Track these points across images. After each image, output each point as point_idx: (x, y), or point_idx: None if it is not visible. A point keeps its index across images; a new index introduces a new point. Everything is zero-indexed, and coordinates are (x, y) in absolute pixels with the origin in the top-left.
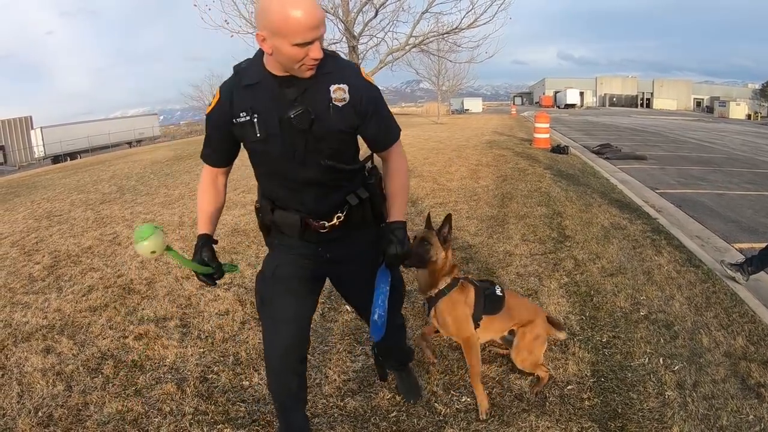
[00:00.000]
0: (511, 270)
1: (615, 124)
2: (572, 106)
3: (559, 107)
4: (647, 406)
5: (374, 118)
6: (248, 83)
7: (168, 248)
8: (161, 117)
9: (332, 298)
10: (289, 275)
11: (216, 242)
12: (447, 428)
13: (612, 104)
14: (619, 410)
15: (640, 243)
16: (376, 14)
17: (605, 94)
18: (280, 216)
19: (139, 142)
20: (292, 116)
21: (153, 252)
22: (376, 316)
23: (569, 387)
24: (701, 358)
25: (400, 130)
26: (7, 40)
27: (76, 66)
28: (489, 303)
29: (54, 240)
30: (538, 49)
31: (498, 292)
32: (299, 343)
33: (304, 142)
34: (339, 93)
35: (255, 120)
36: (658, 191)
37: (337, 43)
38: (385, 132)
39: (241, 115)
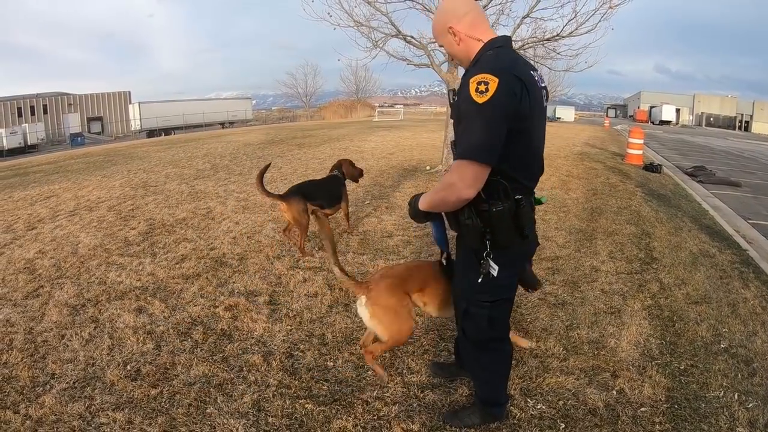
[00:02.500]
0: (596, 286)
1: (710, 146)
2: (667, 123)
3: (653, 123)
4: None
5: (461, 123)
6: None
7: None
8: (254, 101)
9: None
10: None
11: None
12: None
13: (709, 124)
14: None
15: (727, 273)
16: None
17: (702, 113)
18: None
19: (231, 123)
20: (448, 91)
21: None
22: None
23: (642, 409)
24: None
25: (466, 157)
26: (113, 20)
27: (173, 48)
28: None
29: (149, 209)
30: (634, 59)
31: None
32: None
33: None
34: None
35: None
36: (750, 221)
37: (435, 41)
38: (458, 140)
39: None
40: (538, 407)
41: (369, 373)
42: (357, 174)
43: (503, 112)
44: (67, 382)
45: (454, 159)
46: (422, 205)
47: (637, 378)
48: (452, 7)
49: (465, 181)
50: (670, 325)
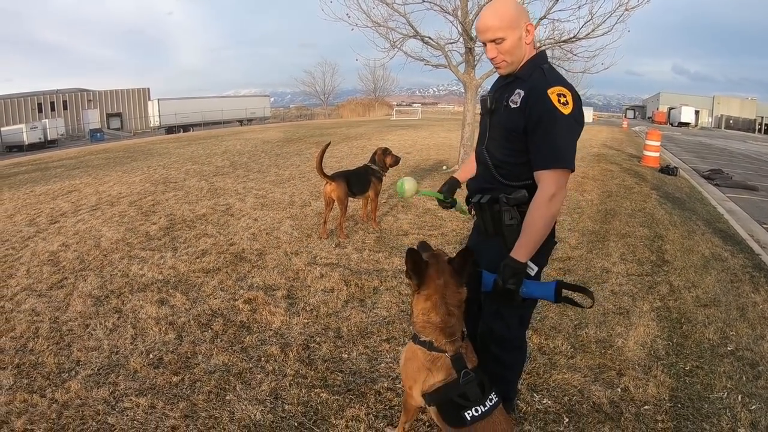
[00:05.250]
0: (606, 287)
1: (729, 149)
2: (686, 124)
3: (672, 125)
4: None
5: (538, 131)
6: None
7: (418, 192)
8: (272, 99)
9: None
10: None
11: (460, 185)
12: (525, 425)
13: (728, 126)
14: None
15: (738, 278)
16: None
17: (722, 115)
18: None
19: (249, 121)
20: (480, 98)
21: (412, 191)
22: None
23: (646, 407)
24: None
25: (560, 166)
26: (133, 17)
27: (192, 45)
28: (448, 409)
29: (170, 204)
30: (652, 60)
31: (470, 413)
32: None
33: (486, 123)
34: (516, 96)
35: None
36: (765, 226)
37: (454, 42)
38: (540, 150)
39: (487, 93)
40: (544, 402)
41: (382, 365)
42: (391, 162)
43: (580, 123)
44: (91, 369)
45: (538, 169)
46: (528, 248)
47: (642, 377)
48: (524, 9)
49: (563, 188)
50: (678, 326)
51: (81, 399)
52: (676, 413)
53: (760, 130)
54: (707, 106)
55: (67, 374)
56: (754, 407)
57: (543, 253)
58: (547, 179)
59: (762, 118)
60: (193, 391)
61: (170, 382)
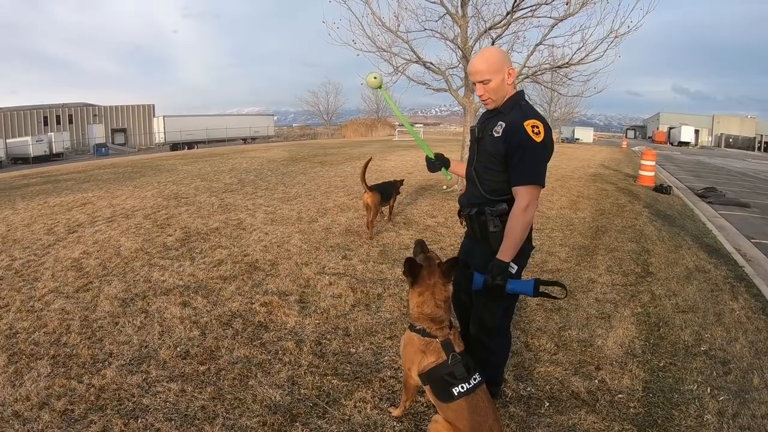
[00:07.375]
0: (591, 295)
1: (726, 167)
2: (686, 144)
3: (672, 144)
4: (685, 423)
5: (516, 155)
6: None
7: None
8: (275, 117)
9: None
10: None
11: (448, 163)
12: (511, 407)
13: (728, 145)
14: (659, 422)
15: (719, 287)
16: (493, 44)
17: (721, 134)
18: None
19: (253, 139)
20: (471, 128)
21: (375, 78)
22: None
23: (619, 395)
24: (747, 394)
25: (533, 183)
26: (139, 34)
27: (196, 63)
28: (439, 386)
29: (183, 218)
30: (652, 80)
31: (457, 389)
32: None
33: (475, 149)
34: (498, 128)
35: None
36: (753, 240)
37: (455, 67)
38: (516, 170)
39: (475, 124)
40: (528, 389)
41: (385, 358)
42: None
43: (550, 149)
44: (124, 360)
45: (515, 185)
46: (510, 250)
47: (618, 371)
48: (507, 56)
49: (535, 200)
50: (656, 329)
51: (116, 384)
52: (648, 401)
53: (759, 148)
54: (707, 125)
55: (101, 364)
56: (722, 398)
57: (522, 255)
58: (522, 193)
59: (762, 136)
60: (219, 378)
61: (197, 371)
